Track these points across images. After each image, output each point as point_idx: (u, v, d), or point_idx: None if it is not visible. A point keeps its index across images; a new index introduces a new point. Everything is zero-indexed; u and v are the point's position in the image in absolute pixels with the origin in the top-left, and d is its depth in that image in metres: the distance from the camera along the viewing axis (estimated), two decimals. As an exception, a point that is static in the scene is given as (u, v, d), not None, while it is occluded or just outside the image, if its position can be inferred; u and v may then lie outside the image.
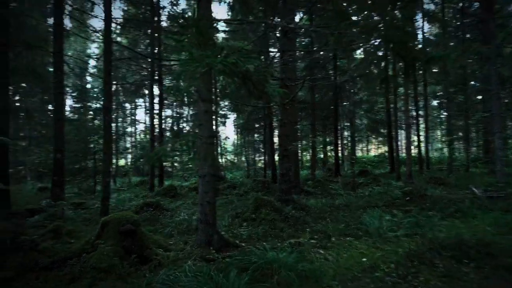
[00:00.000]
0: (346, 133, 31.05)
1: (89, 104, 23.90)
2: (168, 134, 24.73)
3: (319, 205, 10.32)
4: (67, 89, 22.76)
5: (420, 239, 6.41)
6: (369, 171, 21.73)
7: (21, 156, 19.44)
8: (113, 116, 28.12)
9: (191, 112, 29.91)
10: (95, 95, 25.77)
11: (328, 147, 27.49)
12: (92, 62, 28.72)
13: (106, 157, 9.16)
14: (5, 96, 9.74)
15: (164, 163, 25.13)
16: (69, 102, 29.02)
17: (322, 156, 29.52)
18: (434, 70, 22.23)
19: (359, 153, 42.54)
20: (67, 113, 20.80)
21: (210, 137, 6.00)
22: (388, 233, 6.85)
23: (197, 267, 4.86)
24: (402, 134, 33.12)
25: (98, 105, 23.24)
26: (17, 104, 19.40)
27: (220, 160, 23.23)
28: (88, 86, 27.44)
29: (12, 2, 12.58)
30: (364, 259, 5.59)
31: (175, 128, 27.06)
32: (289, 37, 10.40)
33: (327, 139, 26.00)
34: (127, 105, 30.41)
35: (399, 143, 23.42)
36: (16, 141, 22.81)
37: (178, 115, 32.63)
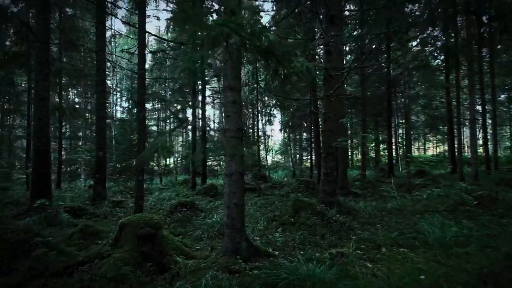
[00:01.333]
0: (401, 131, 28.93)
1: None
2: (212, 133, 24.53)
3: (369, 208, 9.21)
4: (118, 88, 23.34)
5: (493, 253, 5.19)
6: (426, 171, 19.78)
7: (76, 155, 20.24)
8: (163, 115, 28.64)
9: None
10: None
11: (381, 146, 25.73)
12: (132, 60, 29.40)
13: (140, 154, 8.82)
14: (46, 87, 9.81)
15: (209, 162, 24.99)
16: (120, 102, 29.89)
17: (374, 155, 27.73)
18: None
19: (415, 153, 39.69)
20: (117, 112, 21.31)
21: (238, 131, 5.28)
22: (453, 244, 5.68)
23: (217, 280, 4.17)
24: (465, 132, 30.20)
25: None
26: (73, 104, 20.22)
27: (265, 159, 22.56)
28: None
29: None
30: (422, 277, 4.54)
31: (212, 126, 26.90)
32: (335, 23, 9.40)
33: (380, 137, 24.28)
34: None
35: (461, 141, 21.11)
36: (75, 141, 23.96)
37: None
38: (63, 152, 19.68)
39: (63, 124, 19.53)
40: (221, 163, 26.35)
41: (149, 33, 11.25)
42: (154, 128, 32.01)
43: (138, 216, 5.28)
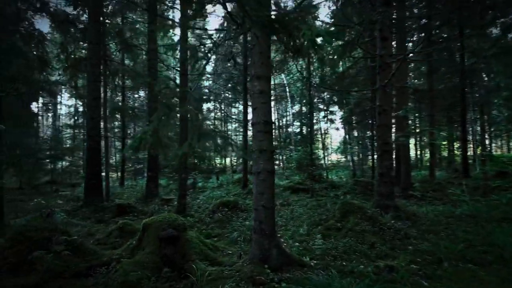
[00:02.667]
0: (478, 127, 25.86)
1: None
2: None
3: (433, 214, 8.02)
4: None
5: None
6: (510, 172, 17.25)
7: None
8: (220, 114, 28.92)
9: (293, 110, 28.86)
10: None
11: (455, 144, 23.21)
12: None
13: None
14: (98, 88, 10.11)
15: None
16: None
17: (446, 154, 25.17)
18: None
19: (497, 151, 35.39)
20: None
21: (266, 124, 4.71)
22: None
23: (236, 293, 3.65)
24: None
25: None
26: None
27: (322, 158, 21.52)
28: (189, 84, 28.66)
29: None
30: (494, 303, 3.59)
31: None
32: (391, 5, 8.37)
33: (453, 134, 21.88)
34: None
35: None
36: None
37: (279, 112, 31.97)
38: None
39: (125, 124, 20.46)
40: (276, 162, 25.76)
41: (191, 27, 11.08)
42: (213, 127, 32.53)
43: (162, 217, 4.96)
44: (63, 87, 26.90)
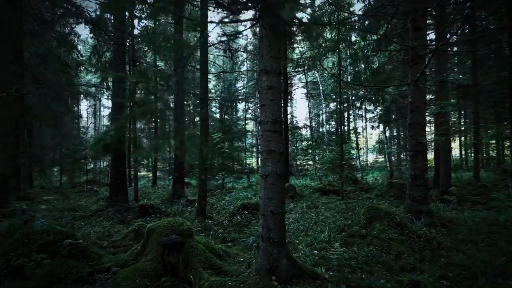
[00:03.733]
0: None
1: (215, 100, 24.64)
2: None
3: (473, 221, 7.22)
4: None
5: None
6: None
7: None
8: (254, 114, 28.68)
9: (328, 109, 28.05)
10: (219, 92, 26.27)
11: (506, 143, 21.44)
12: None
13: (201, 153, 8.44)
14: (123, 88, 10.16)
15: (299, 161, 24.12)
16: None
17: (495, 154, 23.34)
18: None
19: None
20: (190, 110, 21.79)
21: (275, 123, 4.32)
22: None
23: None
24: None
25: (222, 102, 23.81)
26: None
27: (356, 158, 20.67)
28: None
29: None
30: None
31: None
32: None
33: (501, 132, 20.19)
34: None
35: None
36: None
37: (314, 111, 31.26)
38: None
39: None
40: (309, 162, 25.22)
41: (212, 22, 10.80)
42: (250, 127, 32.40)
43: (167, 221, 4.72)
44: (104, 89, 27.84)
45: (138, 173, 27.44)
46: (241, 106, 30.44)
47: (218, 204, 10.92)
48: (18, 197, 12.89)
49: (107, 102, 38.48)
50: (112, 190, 10.17)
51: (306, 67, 17.91)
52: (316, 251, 5.62)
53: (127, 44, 12.44)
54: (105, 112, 38.34)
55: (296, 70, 17.03)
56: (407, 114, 7.93)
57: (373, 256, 5.16)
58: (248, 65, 23.99)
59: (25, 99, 13.01)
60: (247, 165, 21.79)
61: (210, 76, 21.16)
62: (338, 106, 15.57)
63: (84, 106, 39.92)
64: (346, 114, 26.88)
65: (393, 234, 5.81)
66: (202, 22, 8.50)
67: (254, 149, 29.78)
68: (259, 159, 27.56)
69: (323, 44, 14.26)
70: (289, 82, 17.58)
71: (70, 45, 15.50)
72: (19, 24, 12.66)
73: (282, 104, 4.46)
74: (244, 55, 23.36)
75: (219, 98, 23.03)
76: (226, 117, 20.11)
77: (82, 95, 19.85)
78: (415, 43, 7.59)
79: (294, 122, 26.02)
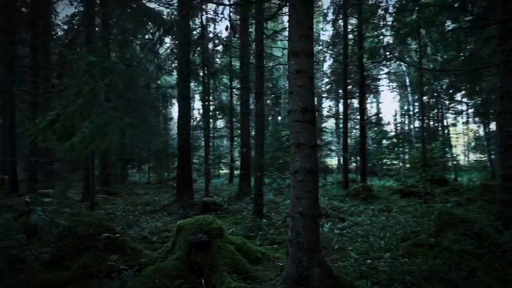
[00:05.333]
0: None
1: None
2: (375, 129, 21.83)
3: None
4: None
5: None
6: None
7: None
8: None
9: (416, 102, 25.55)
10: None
11: None
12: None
13: (257, 150, 8.14)
14: (187, 87, 10.38)
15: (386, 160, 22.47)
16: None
17: None
18: None
19: None
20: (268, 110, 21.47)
21: (305, 112, 3.77)
22: None
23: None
24: None
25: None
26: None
27: (449, 157, 18.30)
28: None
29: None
30: None
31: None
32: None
33: None
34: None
35: None
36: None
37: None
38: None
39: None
40: (385, 160, 23.18)
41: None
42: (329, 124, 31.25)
43: (195, 219, 4.50)
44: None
45: (220, 171, 28.56)
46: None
47: (282, 203, 10.50)
48: (106, 192, 14.14)
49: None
50: (178, 186, 10.50)
51: (385, 57, 16.34)
52: (369, 261, 4.86)
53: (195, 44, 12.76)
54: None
55: (374, 61, 15.67)
56: (497, 102, 6.56)
57: (437, 271, 4.25)
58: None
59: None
60: (320, 164, 20.84)
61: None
62: (421, 98, 13.83)
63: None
64: (437, 107, 24.16)
65: (468, 246, 4.75)
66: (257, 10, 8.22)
67: (333, 147, 28.61)
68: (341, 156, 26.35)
69: (402, 30, 12.80)
70: (365, 74, 16.20)
71: (153, 51, 16.61)
72: (105, 33, 13.94)
73: (313, 91, 3.88)
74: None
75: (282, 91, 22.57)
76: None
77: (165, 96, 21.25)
78: (505, 15, 6.21)
79: (373, 117, 24.23)
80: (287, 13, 4.16)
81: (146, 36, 16.41)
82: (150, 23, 14.80)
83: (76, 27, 12.16)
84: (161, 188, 17.62)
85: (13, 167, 13.93)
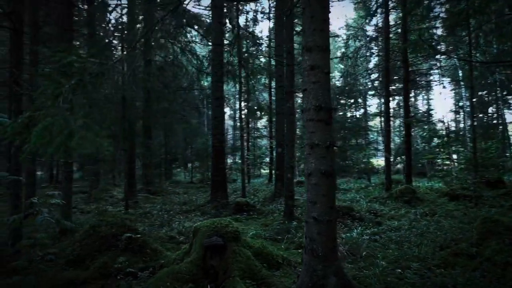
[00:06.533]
0: None
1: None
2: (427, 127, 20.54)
3: None
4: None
5: None
6: None
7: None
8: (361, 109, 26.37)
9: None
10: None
11: None
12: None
13: (288, 150, 7.93)
14: (220, 87, 10.40)
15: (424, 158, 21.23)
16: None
17: None
18: None
19: None
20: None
21: (319, 110, 3.53)
22: None
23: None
24: None
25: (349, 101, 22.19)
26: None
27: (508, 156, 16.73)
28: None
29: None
30: None
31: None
32: None
33: None
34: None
35: None
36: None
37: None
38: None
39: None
40: (436, 160, 21.78)
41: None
42: (373, 124, 30.05)
43: (211, 222, 4.41)
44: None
45: (262, 170, 28.54)
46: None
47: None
48: (148, 191, 14.63)
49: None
50: (212, 186, 10.56)
51: (429, 50, 15.22)
52: (399, 270, 4.49)
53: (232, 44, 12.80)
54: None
55: (418, 55, 14.70)
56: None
57: (475, 284, 3.82)
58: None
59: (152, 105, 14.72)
60: (363, 164, 20.04)
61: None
62: (471, 93, 12.71)
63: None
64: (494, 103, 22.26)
65: (513, 258, 4.22)
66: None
67: (380, 147, 27.47)
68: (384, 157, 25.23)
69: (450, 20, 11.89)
70: (411, 69, 15.29)
71: (192, 52, 16.97)
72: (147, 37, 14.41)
73: (328, 88, 3.63)
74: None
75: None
76: (340, 113, 18.89)
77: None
78: None
79: (423, 114, 22.87)
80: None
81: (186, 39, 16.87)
82: (189, 26, 15.17)
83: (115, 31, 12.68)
84: (201, 188, 17.92)
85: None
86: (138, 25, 14.26)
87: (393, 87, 26.01)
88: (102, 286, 4.06)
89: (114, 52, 12.84)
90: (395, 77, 22.00)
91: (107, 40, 10.12)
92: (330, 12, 3.78)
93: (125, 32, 12.09)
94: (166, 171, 23.28)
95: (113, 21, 12.10)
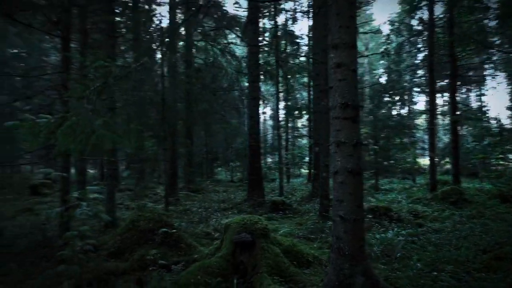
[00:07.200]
0: None
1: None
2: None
3: None
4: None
5: None
6: None
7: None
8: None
9: None
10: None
11: None
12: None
13: (323, 149, 7.86)
14: (257, 88, 10.50)
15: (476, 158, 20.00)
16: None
17: None
18: None
19: None
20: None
21: (346, 108, 3.50)
22: None
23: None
24: None
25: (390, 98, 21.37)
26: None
27: None
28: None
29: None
30: None
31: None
32: None
33: None
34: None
35: None
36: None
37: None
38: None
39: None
40: (490, 160, 20.49)
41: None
42: (420, 121, 28.79)
43: (241, 218, 4.52)
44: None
45: (302, 170, 28.34)
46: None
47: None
48: (189, 189, 15.11)
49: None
50: (249, 185, 10.70)
51: (478, 43, 14.22)
52: (435, 273, 4.32)
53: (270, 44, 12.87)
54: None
55: (466, 49, 13.82)
56: None
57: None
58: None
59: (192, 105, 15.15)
60: (408, 164, 19.26)
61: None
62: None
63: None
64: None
65: None
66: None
67: (427, 146, 26.21)
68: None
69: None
70: (459, 64, 14.49)
71: (231, 53, 17.27)
72: (189, 38, 14.92)
73: (355, 85, 3.58)
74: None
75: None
76: (383, 111, 18.26)
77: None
78: None
79: (470, 112, 21.53)
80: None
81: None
82: (227, 28, 15.46)
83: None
84: (240, 187, 18.17)
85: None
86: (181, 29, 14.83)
87: (442, 83, 24.76)
88: (139, 277, 4.29)
89: (156, 55, 13.41)
90: (443, 73, 20.90)
91: (150, 45, 10.58)
92: (359, 8, 3.72)
93: (165, 36, 12.60)
94: (207, 170, 23.88)
95: (155, 26, 12.59)
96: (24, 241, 6.15)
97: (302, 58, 18.05)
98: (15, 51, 19.99)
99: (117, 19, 9.37)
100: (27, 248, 5.72)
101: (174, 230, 5.12)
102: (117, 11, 9.27)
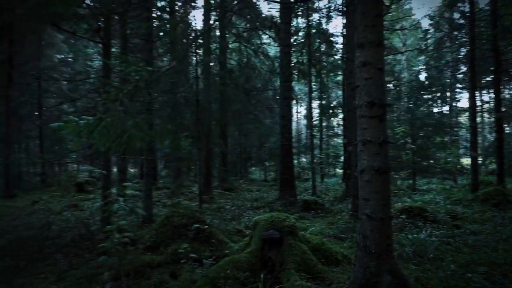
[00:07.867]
0: None
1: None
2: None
3: None
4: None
5: None
6: None
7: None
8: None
9: None
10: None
11: None
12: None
13: (354, 148, 7.77)
14: (289, 87, 10.59)
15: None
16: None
17: None
18: None
19: None
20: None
21: (372, 106, 3.51)
22: None
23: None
24: None
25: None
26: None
27: None
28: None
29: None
30: None
31: None
32: None
33: None
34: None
35: None
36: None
37: None
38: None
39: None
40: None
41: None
42: (463, 119, 27.54)
43: (270, 216, 4.63)
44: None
45: (337, 170, 27.99)
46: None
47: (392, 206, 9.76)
48: (223, 188, 15.43)
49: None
50: (281, 184, 10.77)
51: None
52: (469, 274, 4.20)
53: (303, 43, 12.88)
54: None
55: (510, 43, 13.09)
56: None
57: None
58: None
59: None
60: (449, 164, 18.48)
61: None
62: None
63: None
64: None
65: None
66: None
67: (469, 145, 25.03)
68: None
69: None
70: (504, 58, 13.74)
71: (264, 54, 17.45)
72: (223, 41, 15.24)
73: (382, 84, 3.58)
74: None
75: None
76: (422, 108, 17.66)
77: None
78: None
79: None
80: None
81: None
82: (260, 29, 15.62)
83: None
84: (273, 186, 18.27)
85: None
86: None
87: (487, 79, 23.50)
88: (173, 270, 4.52)
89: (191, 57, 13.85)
90: (486, 68, 19.86)
91: (184, 48, 10.93)
92: (384, 5, 3.70)
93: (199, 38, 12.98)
94: (241, 170, 24.20)
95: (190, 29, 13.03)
96: (69, 234, 6.66)
97: (336, 57, 17.86)
98: (62, 56, 21.27)
99: (155, 23, 9.83)
100: (72, 241, 6.20)
101: (206, 226, 5.32)
102: (154, 15, 9.71)
